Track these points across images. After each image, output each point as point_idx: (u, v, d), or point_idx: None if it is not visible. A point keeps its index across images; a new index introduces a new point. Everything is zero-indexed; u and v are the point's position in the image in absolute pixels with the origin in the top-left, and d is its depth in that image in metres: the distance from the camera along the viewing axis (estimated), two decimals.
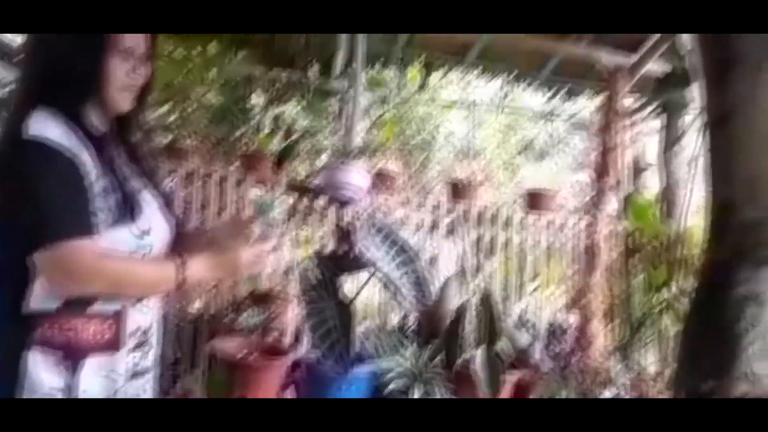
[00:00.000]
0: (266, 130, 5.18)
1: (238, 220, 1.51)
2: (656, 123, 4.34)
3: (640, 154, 5.01)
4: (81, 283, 1.08)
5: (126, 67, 1.18)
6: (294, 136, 2.85)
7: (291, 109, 5.80)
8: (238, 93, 4.86)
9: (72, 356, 1.10)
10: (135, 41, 1.18)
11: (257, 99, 5.24)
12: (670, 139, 3.73)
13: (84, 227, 1.07)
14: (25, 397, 1.06)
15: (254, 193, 2.55)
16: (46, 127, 1.06)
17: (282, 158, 2.92)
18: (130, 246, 1.15)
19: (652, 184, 4.40)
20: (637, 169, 4.62)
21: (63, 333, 1.10)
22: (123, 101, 1.20)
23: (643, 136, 5.06)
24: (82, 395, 1.10)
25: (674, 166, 3.67)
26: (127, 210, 1.14)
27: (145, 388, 1.24)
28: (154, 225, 1.20)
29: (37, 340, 1.08)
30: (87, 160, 1.09)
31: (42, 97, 1.11)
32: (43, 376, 1.07)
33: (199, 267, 1.18)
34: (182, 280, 1.15)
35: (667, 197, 3.69)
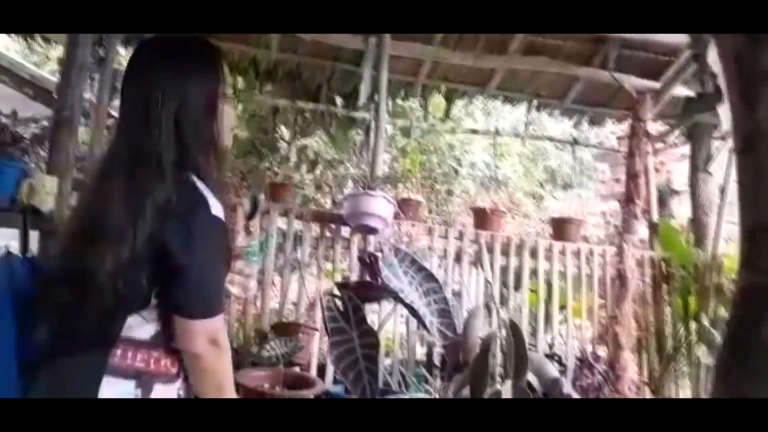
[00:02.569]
0: (292, 162, 5.25)
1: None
2: (684, 149, 4.28)
3: (668, 180, 4.94)
4: (216, 359, 1.17)
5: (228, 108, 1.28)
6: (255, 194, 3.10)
7: (316, 142, 5.88)
8: (264, 126, 4.95)
9: (142, 385, 1.13)
10: (226, 85, 1.28)
11: (283, 132, 5.33)
12: (699, 164, 3.66)
13: (223, 306, 1.21)
14: None
15: (247, 240, 2.82)
16: (218, 207, 1.16)
17: (252, 211, 3.06)
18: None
19: (680, 212, 4.31)
20: (665, 197, 4.54)
21: (137, 363, 1.13)
22: (228, 139, 1.31)
23: (670, 162, 4.99)
24: None
25: (703, 191, 3.59)
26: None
27: None
28: None
29: (111, 368, 1.10)
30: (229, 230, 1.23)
31: (186, 163, 1.16)
32: None
33: None
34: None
35: (696, 224, 3.61)
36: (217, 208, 1.15)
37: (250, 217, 3.10)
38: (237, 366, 2.88)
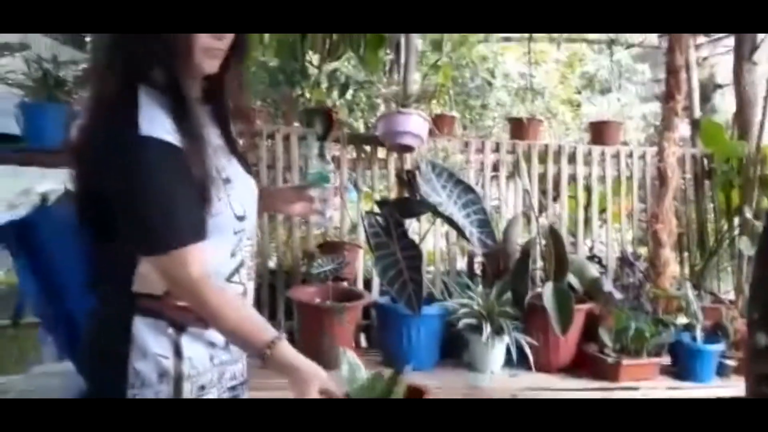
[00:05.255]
0: (323, 87, 5.22)
1: (295, 189, 1.59)
2: (728, 41, 4.07)
3: (711, 75, 4.75)
4: (182, 296, 1.10)
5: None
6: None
7: (345, 66, 5.80)
8: (293, 53, 4.89)
9: (176, 325, 1.14)
10: None
11: (312, 57, 5.27)
12: (743, 54, 3.50)
13: (197, 233, 1.07)
14: (136, 360, 1.11)
15: (311, 165, 2.82)
16: (160, 125, 1.04)
17: (325, 132, 3.05)
18: (230, 230, 1.16)
19: (723, 106, 4.16)
20: (708, 92, 4.39)
21: (167, 309, 1.13)
22: (209, 64, 1.14)
23: (713, 56, 4.78)
24: (187, 362, 1.14)
25: (748, 83, 3.46)
26: (226, 194, 1.14)
27: (233, 350, 1.24)
28: (246, 204, 1.21)
29: (143, 308, 1.12)
30: (194, 151, 1.07)
31: (136, 76, 1.07)
32: (150, 342, 1.11)
33: (286, 354, 1.11)
34: (264, 356, 1.10)
35: (741, 117, 3.50)
36: (152, 128, 1.02)
37: (323, 137, 3.09)
38: (288, 284, 3.05)
